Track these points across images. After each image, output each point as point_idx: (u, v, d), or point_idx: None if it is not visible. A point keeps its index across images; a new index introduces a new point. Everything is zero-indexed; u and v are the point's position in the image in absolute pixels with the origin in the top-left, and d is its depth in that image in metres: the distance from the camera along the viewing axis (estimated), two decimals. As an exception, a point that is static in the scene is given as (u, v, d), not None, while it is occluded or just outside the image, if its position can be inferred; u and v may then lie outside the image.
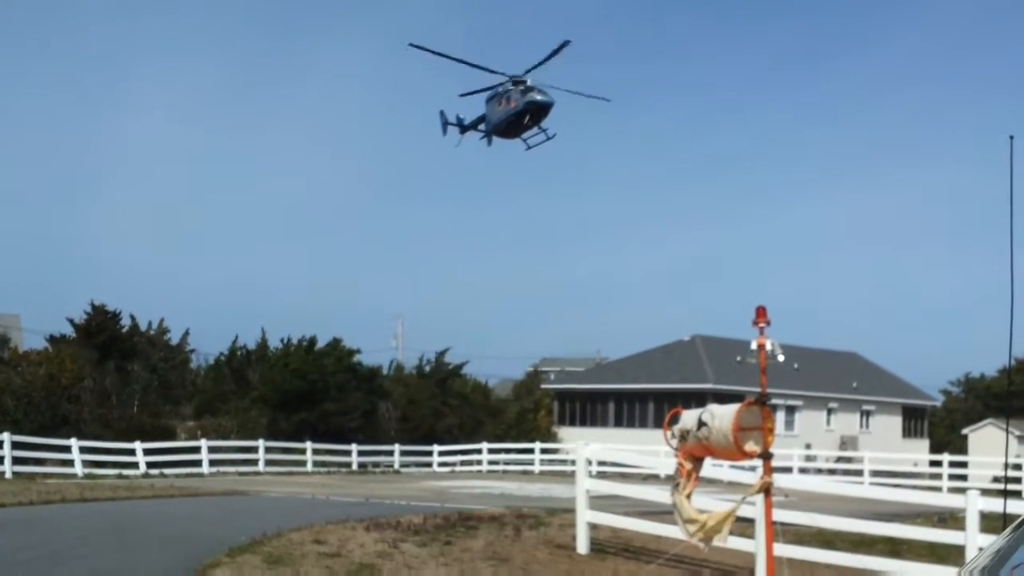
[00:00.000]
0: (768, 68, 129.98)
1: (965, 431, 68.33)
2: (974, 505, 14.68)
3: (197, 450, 43.92)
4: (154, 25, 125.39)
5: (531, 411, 69.89)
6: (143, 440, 42.84)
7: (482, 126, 56.70)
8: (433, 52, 51.79)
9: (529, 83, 54.55)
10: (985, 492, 16.43)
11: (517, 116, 54.18)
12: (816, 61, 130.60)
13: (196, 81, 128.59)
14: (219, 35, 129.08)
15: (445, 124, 58.96)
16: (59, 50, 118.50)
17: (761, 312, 11.20)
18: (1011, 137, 4.76)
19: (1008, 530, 3.23)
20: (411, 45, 53.12)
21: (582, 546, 17.71)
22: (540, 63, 52.32)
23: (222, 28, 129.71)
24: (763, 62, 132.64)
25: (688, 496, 10.94)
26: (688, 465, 10.90)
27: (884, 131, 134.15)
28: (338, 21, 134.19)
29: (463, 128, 57.88)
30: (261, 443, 46.26)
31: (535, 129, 55.13)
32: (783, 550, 14.01)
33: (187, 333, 65.54)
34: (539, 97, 53.72)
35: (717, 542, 11.30)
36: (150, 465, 41.35)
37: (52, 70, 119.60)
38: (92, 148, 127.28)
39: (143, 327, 62.41)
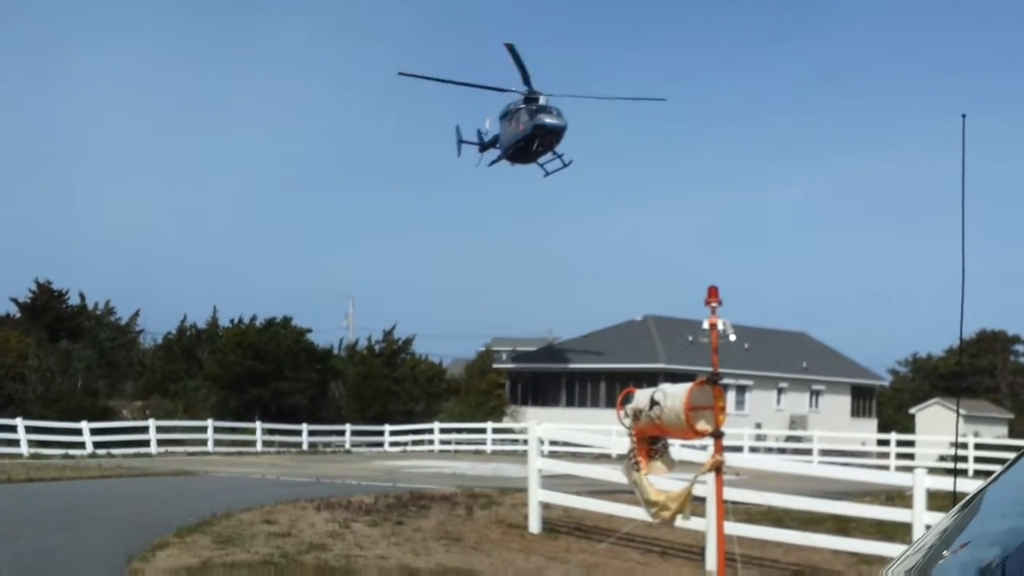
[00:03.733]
0: (720, 55, 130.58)
1: (912, 410, 69.22)
2: (921, 483, 14.84)
3: (145, 430, 43.53)
4: (103, 3, 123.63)
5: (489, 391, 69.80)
6: (87, 420, 42.39)
7: (499, 145, 53.80)
8: (424, 77, 49.61)
9: (543, 101, 51.28)
10: (932, 471, 16.63)
11: (526, 141, 51.06)
12: (765, 48, 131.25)
13: (146, 58, 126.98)
14: (170, 13, 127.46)
15: (460, 142, 55.68)
16: (3, 25, 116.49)
17: (713, 292, 11.22)
18: (963, 116, 4.75)
19: (954, 510, 3.24)
20: (401, 74, 50.81)
21: (534, 525, 17.74)
22: (524, 74, 49.68)
23: (173, 5, 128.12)
24: (715, 49, 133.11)
25: (648, 476, 10.95)
26: (644, 445, 10.91)
27: (833, 115, 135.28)
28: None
29: (482, 146, 54.94)
30: (210, 423, 45.92)
31: (549, 154, 52.05)
32: (734, 528, 14.09)
33: (137, 313, 64.98)
34: (548, 120, 50.22)
35: (680, 521, 11.34)
36: (97, 445, 40.94)
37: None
38: (39, 125, 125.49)
39: (91, 307, 61.76)
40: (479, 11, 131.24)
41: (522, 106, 49.25)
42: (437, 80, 49.02)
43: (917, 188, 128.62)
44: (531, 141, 49.48)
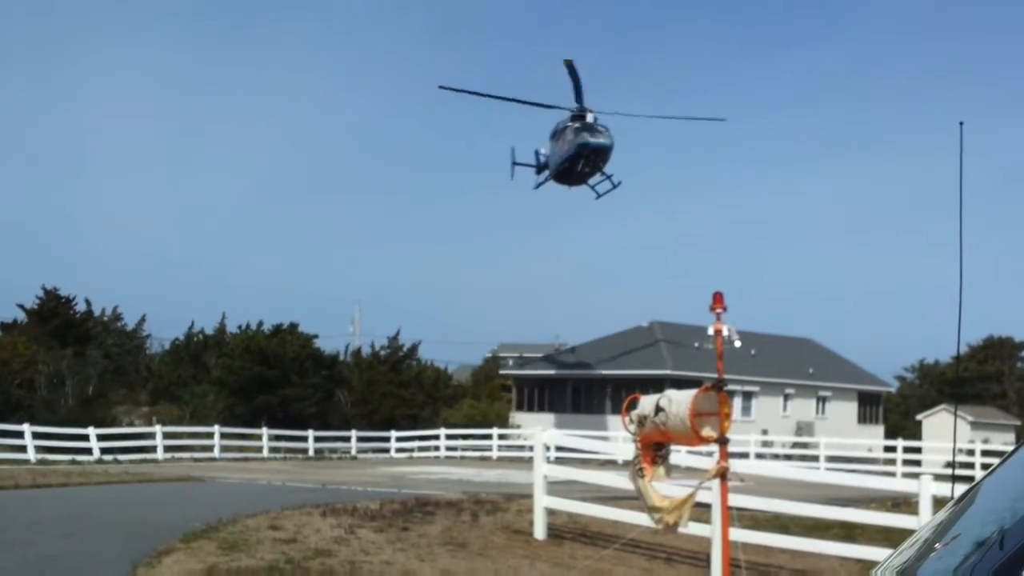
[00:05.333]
0: (722, 60, 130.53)
1: (919, 417, 69.10)
2: (927, 490, 14.82)
3: (152, 436, 43.56)
4: (108, 6, 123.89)
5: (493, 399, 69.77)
6: (93, 426, 42.45)
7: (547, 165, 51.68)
8: (464, 91, 47.77)
9: (590, 119, 49.22)
10: (938, 477, 16.61)
11: (571, 161, 48.87)
12: (767, 53, 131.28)
13: (153, 63, 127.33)
14: (179, 17, 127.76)
15: (514, 164, 53.35)
16: (8, 31, 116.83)
17: (718, 298, 11.21)
18: (960, 123, 4.75)
19: (950, 504, 3.27)
20: (441, 87, 48.69)
21: (539, 531, 17.72)
22: (577, 91, 47.41)
23: (183, 9, 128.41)
24: (718, 55, 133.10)
25: (652, 483, 10.94)
26: (649, 452, 10.89)
27: (839, 119, 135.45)
28: (298, 3, 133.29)
29: (538, 168, 52.93)
30: (216, 429, 45.95)
31: (599, 175, 49.95)
32: (739, 534, 14.07)
33: (143, 319, 65.14)
34: (592, 139, 47.66)
35: (681, 528, 11.32)
36: (104, 451, 40.99)
37: (1, 52, 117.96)
38: (45, 132, 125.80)
39: (97, 313, 61.90)
40: (481, 16, 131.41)
41: (569, 124, 47.20)
42: (478, 95, 47.01)
43: (924, 192, 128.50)
44: (576, 161, 47.33)
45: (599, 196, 50.40)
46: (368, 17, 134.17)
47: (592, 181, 49.53)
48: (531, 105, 47.12)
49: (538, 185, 51.59)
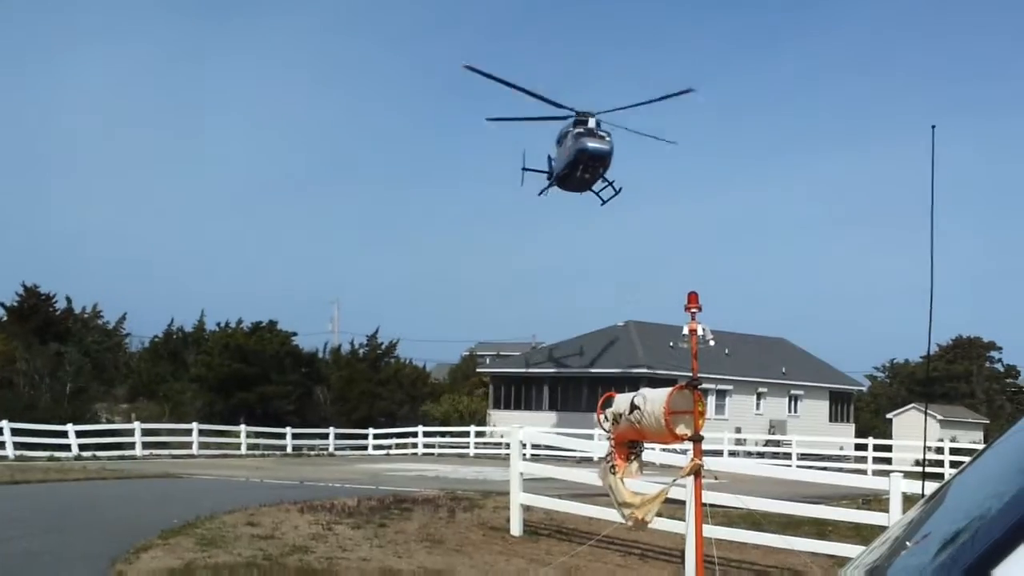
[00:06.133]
0: (698, 61, 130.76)
1: (890, 415, 69.60)
2: (897, 487, 15.09)
3: (130, 433, 43.50)
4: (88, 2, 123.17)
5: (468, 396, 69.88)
6: (74, 423, 42.37)
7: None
8: (488, 76, 46.72)
9: (592, 124, 46.33)
10: (908, 475, 16.89)
11: (570, 167, 46.88)
12: (741, 55, 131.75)
13: (132, 59, 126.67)
14: (156, 12, 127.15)
15: (524, 170, 50.32)
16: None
17: (693, 298, 11.37)
18: (933, 126, 4.96)
19: (921, 502, 3.39)
20: (465, 67, 47.43)
21: (516, 528, 17.87)
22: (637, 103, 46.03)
23: (159, 4, 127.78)
24: (692, 55, 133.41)
25: (623, 479, 11.11)
26: (623, 449, 11.06)
27: (813, 120, 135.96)
28: None
29: (549, 174, 50.24)
30: (195, 426, 45.93)
31: (600, 181, 48.98)
32: (713, 531, 14.26)
33: (123, 316, 64.99)
34: (590, 145, 45.83)
35: (650, 524, 11.49)
36: (83, 448, 40.91)
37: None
38: (26, 129, 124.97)
39: (78, 310, 61.73)
40: (468, 11, 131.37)
41: (571, 129, 46.38)
42: (501, 82, 45.88)
43: (896, 192, 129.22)
44: (575, 167, 46.07)
45: (604, 203, 49.49)
46: (350, 9, 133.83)
47: (596, 187, 48.60)
48: (544, 101, 46.09)
49: (542, 192, 50.53)
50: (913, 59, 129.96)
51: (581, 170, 46.23)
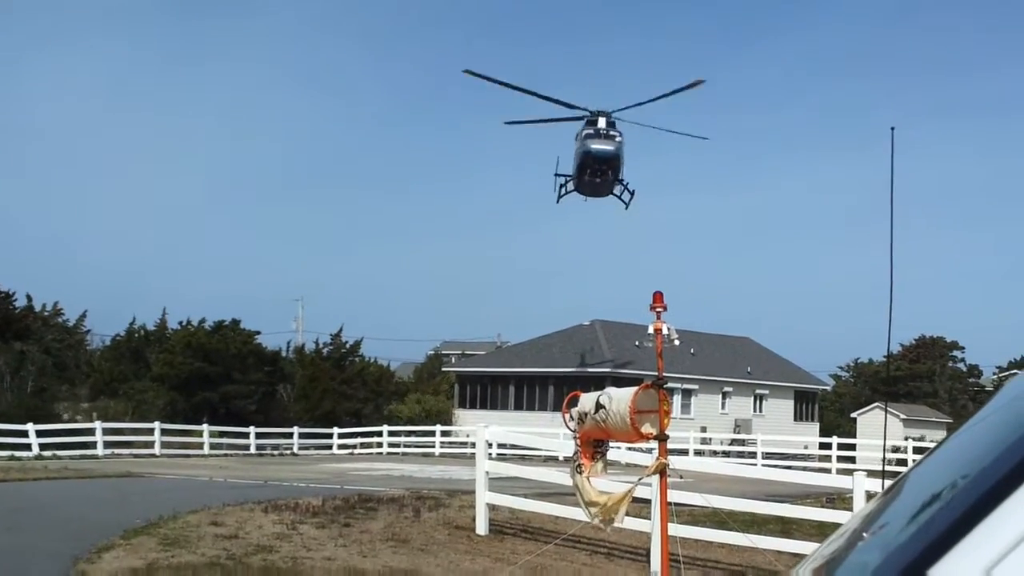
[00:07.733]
0: (670, 63, 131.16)
1: (854, 415, 70.08)
2: (860, 486, 15.18)
3: (92, 432, 43.13)
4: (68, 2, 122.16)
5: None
6: (34, 422, 41.98)
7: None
8: (488, 79, 45.81)
9: (601, 124, 44.94)
10: (871, 473, 16.99)
11: (579, 170, 45.71)
12: (716, 59, 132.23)
13: (96, 58, 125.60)
14: (135, 12, 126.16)
15: (558, 176, 48.36)
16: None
17: (658, 297, 11.39)
18: (892, 128, 4.98)
19: (879, 495, 3.38)
20: (466, 72, 46.23)
21: (481, 527, 17.85)
22: (652, 99, 45.04)
23: (139, 4, 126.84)
24: (665, 57, 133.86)
25: (589, 478, 11.11)
26: (589, 448, 11.06)
27: (772, 124, 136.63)
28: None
29: (565, 179, 50.33)
30: (157, 425, 45.59)
31: (614, 183, 47.56)
32: (678, 530, 14.30)
33: (84, 315, 64.48)
34: (594, 146, 44.65)
35: (616, 523, 11.50)
36: (43, 447, 40.53)
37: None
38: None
39: (38, 308, 61.18)
40: (450, 9, 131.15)
41: (583, 131, 45.40)
42: (502, 84, 45.13)
43: (859, 194, 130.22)
44: (583, 170, 45.02)
45: (627, 207, 48.16)
46: (327, 10, 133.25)
47: (618, 191, 47.44)
48: (543, 100, 45.22)
49: (559, 198, 49.33)
50: (871, 65, 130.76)
51: (589, 173, 45.12)
